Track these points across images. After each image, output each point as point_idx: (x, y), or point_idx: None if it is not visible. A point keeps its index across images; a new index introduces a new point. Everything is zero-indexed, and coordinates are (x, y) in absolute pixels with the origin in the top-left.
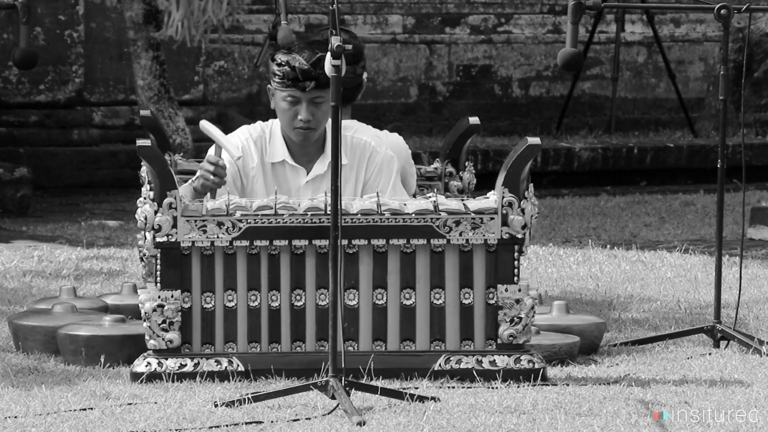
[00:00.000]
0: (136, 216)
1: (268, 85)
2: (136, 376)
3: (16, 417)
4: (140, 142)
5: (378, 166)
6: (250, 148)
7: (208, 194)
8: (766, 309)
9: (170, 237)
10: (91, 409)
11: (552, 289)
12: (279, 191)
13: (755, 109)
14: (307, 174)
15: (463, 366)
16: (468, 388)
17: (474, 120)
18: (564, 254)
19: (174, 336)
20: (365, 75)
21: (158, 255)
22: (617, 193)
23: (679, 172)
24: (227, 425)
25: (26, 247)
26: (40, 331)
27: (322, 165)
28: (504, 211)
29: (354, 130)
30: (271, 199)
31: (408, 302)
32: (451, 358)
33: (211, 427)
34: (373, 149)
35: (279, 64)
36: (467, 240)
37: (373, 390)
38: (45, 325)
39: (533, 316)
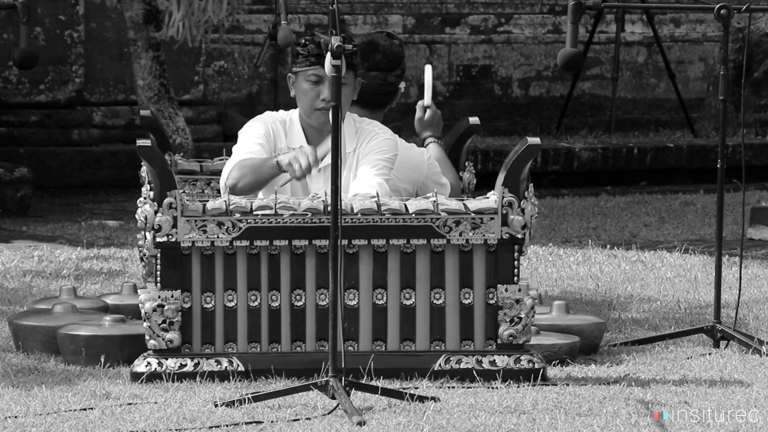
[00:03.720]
0: (136, 216)
1: (288, 74)
2: (136, 376)
3: (16, 417)
4: (140, 142)
5: (374, 145)
6: (278, 129)
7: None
8: (766, 309)
9: (170, 237)
10: (91, 409)
11: (552, 289)
12: None
13: (755, 109)
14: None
15: (463, 366)
16: (468, 388)
17: (474, 120)
18: (564, 254)
19: (174, 336)
20: (402, 84)
21: (158, 255)
22: (617, 193)
23: (679, 172)
24: (227, 425)
25: (26, 247)
26: (40, 331)
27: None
28: (504, 211)
29: (367, 122)
30: (271, 198)
31: (408, 302)
32: (451, 358)
33: (211, 427)
34: (376, 134)
35: (303, 44)
36: (467, 240)
37: (373, 390)
38: (45, 325)
39: (533, 316)
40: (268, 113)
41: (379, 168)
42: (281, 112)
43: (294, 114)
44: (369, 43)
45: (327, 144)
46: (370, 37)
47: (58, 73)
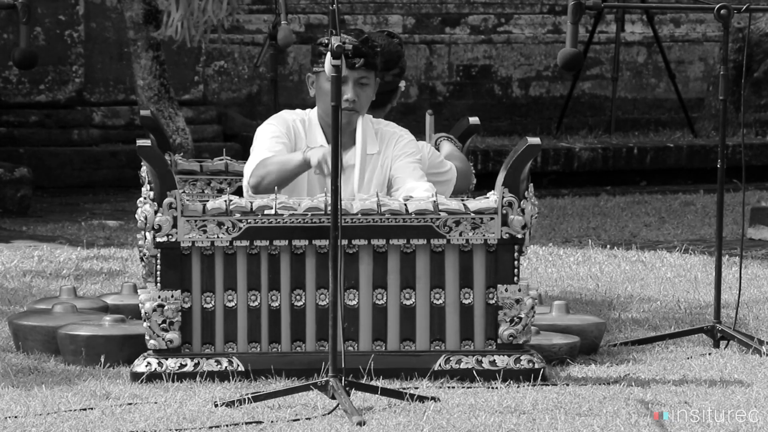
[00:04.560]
0: (136, 216)
1: (308, 74)
2: (136, 376)
3: (16, 417)
4: (140, 142)
5: (402, 147)
6: (298, 128)
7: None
8: (766, 309)
9: (170, 237)
10: (91, 409)
11: (552, 289)
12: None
13: (755, 109)
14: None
15: (463, 366)
16: (468, 388)
17: (474, 120)
18: (564, 254)
19: (174, 336)
20: (402, 83)
21: (158, 255)
22: (617, 193)
23: (679, 172)
24: (227, 425)
25: (26, 247)
26: (40, 331)
27: (353, 155)
28: (504, 211)
29: (385, 124)
30: (271, 198)
31: (408, 302)
32: (451, 358)
33: (211, 427)
34: (400, 136)
35: (326, 44)
36: (467, 240)
37: (373, 390)
38: (45, 325)
39: (533, 316)
40: (286, 112)
41: (419, 171)
42: (298, 111)
43: (312, 113)
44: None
45: (355, 148)
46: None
47: (58, 73)
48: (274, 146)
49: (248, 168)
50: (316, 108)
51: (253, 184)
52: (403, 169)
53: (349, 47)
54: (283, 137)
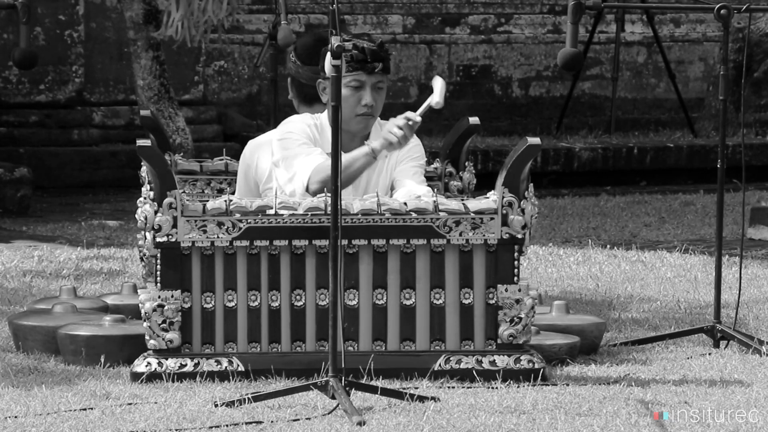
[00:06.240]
0: (136, 216)
1: (319, 80)
2: (136, 376)
3: (16, 417)
4: (140, 142)
5: (407, 151)
6: (313, 132)
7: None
8: (766, 309)
9: (170, 237)
10: (91, 409)
11: (552, 289)
12: None
13: (755, 109)
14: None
15: (463, 366)
16: (468, 388)
17: (474, 120)
18: (564, 254)
19: (174, 336)
20: None
21: (158, 255)
22: (617, 193)
23: (679, 172)
24: (227, 425)
25: (26, 247)
26: (40, 331)
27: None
28: (504, 211)
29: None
30: (271, 198)
31: (408, 302)
32: (451, 358)
33: (211, 427)
34: None
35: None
36: (467, 240)
37: (373, 390)
38: (45, 325)
39: (533, 316)
40: (296, 117)
41: (420, 176)
42: (307, 115)
43: (323, 118)
44: (322, 40)
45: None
46: (319, 35)
47: (58, 73)
48: (312, 150)
49: (300, 177)
50: (325, 113)
51: (314, 190)
52: (405, 173)
53: (351, 49)
54: (310, 143)
